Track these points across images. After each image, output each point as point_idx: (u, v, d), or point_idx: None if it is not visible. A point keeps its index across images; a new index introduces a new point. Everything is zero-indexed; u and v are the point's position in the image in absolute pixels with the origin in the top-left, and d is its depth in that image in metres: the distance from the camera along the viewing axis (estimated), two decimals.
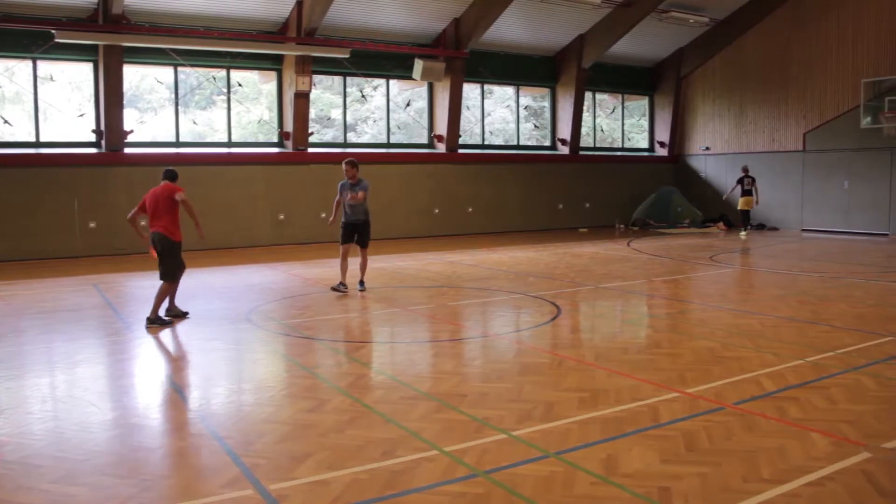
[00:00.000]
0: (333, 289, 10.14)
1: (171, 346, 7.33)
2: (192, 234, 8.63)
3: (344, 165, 10.14)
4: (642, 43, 21.42)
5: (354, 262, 10.35)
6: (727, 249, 15.85)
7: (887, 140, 17.80)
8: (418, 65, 18.00)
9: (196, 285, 10.67)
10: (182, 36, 15.50)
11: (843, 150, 19.00)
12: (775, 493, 3.66)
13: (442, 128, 19.29)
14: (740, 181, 18.91)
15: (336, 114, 19.25)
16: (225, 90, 17.08)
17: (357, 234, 10.24)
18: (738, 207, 19.28)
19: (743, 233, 18.81)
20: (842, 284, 10.59)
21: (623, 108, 23.76)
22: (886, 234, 18.11)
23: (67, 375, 6.22)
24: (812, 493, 3.66)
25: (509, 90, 21.41)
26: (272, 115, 17.84)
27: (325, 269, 12.86)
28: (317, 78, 17.82)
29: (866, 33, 18.47)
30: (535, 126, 22.47)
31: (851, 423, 4.66)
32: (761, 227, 20.61)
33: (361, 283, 10.34)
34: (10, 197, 14.23)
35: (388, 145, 19.22)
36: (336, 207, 10.34)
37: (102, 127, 15.31)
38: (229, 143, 17.05)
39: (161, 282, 8.25)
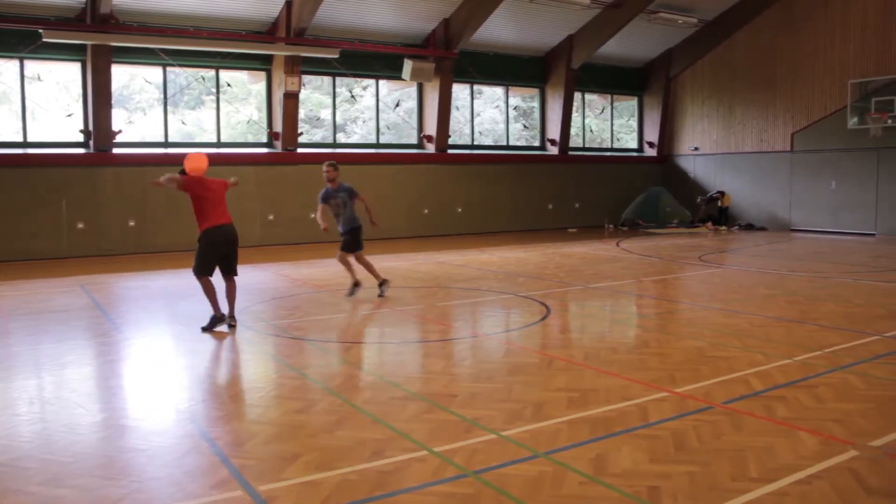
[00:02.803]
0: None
1: (160, 347, 7.30)
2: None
3: (324, 167, 9.65)
4: (631, 43, 21.48)
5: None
6: (716, 249, 15.93)
7: (874, 140, 17.94)
8: (408, 65, 17.98)
9: (185, 285, 10.62)
10: (171, 36, 15.41)
11: (831, 150, 19.13)
12: (763, 492, 3.68)
13: (431, 128, 19.28)
14: (712, 200, 21.30)
15: (325, 114, 19.21)
16: (214, 90, 17.02)
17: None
18: (724, 205, 21.25)
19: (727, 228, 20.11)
20: (830, 284, 10.66)
21: (612, 108, 23.82)
22: (873, 234, 18.24)
23: (55, 377, 6.18)
24: (800, 492, 3.68)
25: (499, 90, 21.43)
26: (261, 116, 17.79)
27: (315, 270, 12.85)
28: (306, 78, 17.78)
29: (853, 34, 18.60)
30: (525, 126, 22.50)
31: (839, 422, 4.69)
32: (750, 227, 20.76)
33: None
34: None
35: (378, 146, 19.19)
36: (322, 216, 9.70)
37: (90, 127, 15.22)
38: (218, 144, 16.98)
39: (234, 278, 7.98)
